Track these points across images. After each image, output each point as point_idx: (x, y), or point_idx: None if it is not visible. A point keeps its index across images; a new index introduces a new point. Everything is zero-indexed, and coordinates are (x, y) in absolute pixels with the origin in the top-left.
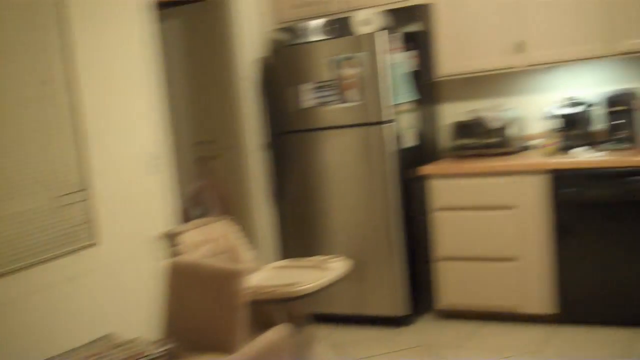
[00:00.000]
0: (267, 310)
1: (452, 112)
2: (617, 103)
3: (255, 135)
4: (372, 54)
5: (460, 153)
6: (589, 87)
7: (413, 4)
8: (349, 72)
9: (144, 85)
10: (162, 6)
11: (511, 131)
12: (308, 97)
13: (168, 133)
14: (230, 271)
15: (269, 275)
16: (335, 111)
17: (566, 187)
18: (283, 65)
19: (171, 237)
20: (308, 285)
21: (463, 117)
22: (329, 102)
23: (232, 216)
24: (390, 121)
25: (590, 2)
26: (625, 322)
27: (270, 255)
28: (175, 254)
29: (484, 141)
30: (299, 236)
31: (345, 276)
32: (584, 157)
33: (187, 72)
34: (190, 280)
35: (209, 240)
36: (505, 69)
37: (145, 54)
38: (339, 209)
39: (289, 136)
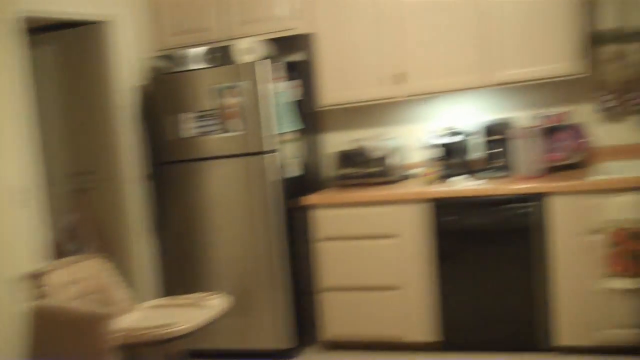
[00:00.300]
0: (141, 353)
1: (335, 142)
2: (494, 132)
3: (135, 165)
4: (254, 83)
5: (344, 182)
6: (467, 116)
7: (295, 33)
8: (230, 101)
9: (12, 114)
10: (34, 32)
11: (393, 160)
12: (189, 126)
13: (39, 164)
14: (95, 315)
15: (144, 315)
16: (217, 141)
17: (446, 215)
18: (163, 93)
19: (36, 278)
20: (183, 326)
21: (346, 147)
22: (211, 131)
23: (108, 251)
24: (273, 151)
25: (467, 35)
26: (506, 348)
27: (149, 293)
28: (39, 296)
29: (366, 170)
30: (180, 271)
31: (225, 313)
32: (462, 185)
33: (63, 100)
34: (54, 326)
35: (78, 280)
36: (386, 99)
37: (14, 81)
38: (223, 242)
39: (170, 167)
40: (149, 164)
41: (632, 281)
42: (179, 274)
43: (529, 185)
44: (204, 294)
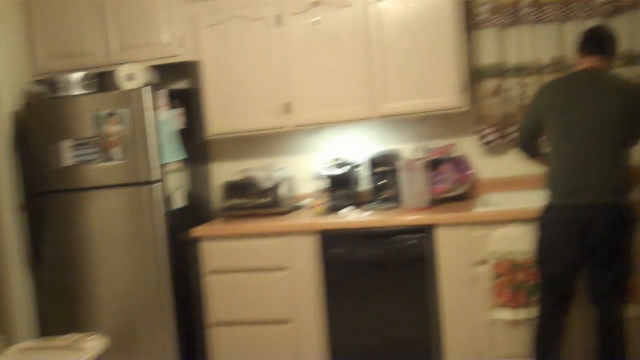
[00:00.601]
0: None
1: (223, 172)
2: (381, 164)
3: (8, 195)
4: (137, 110)
5: (232, 214)
6: (355, 148)
7: (179, 60)
8: (112, 129)
9: None
10: None
11: (282, 191)
12: (68, 154)
13: None
14: None
15: None
16: (99, 170)
17: (335, 247)
18: (40, 120)
19: None
20: None
21: (234, 177)
22: (91, 160)
23: None
24: (157, 181)
25: (353, 67)
26: None
27: (24, 333)
28: None
29: (256, 201)
30: (60, 308)
31: (104, 354)
32: (351, 217)
33: None
34: None
35: None
36: (273, 129)
37: None
38: (105, 276)
39: (48, 197)
40: (25, 194)
41: (516, 312)
42: (59, 313)
43: (415, 217)
44: (80, 335)
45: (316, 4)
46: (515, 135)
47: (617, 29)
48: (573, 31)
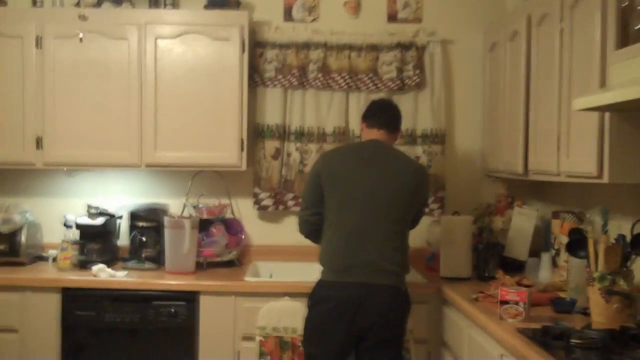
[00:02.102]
0: None
1: None
2: (144, 218)
3: None
4: None
5: None
6: (116, 197)
7: None
8: None
9: None
10: None
11: (23, 238)
12: None
13: None
14: None
15: None
16: None
17: (81, 308)
18: None
19: None
20: None
21: None
22: None
23: None
24: None
25: (122, 106)
26: None
27: None
28: None
29: None
30: None
31: None
32: (103, 275)
33: None
34: None
35: None
36: (21, 164)
37: None
38: None
39: None
40: None
41: None
42: None
43: (177, 282)
44: None
45: (87, 30)
46: (293, 206)
47: (400, 106)
48: (358, 102)
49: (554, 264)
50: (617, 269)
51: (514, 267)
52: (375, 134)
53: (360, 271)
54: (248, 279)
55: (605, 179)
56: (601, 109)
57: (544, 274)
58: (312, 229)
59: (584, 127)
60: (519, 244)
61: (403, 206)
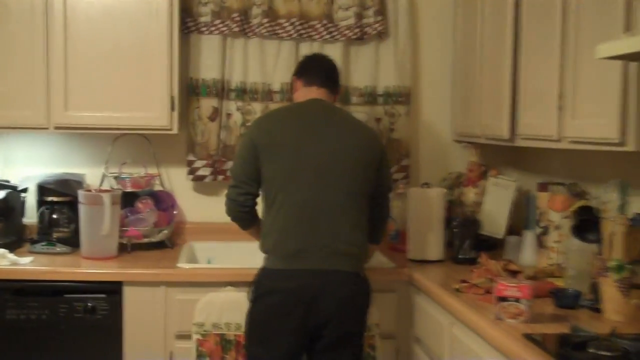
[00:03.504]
0: None
1: None
2: (54, 192)
3: None
4: None
5: None
6: (19, 166)
7: None
8: None
9: None
10: None
11: None
12: None
13: None
14: None
15: None
16: None
17: None
18: None
19: None
20: None
21: None
22: None
23: None
24: None
25: (23, 57)
26: None
27: None
28: None
29: None
30: None
31: None
32: (3, 262)
33: None
34: None
35: None
36: None
37: None
38: None
39: None
40: None
41: None
42: None
43: (96, 271)
44: None
45: None
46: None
47: (359, 59)
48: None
49: (540, 244)
50: (637, 257)
51: (488, 246)
52: (315, 92)
53: (312, 256)
54: (182, 265)
55: (631, 146)
56: (628, 57)
57: (528, 255)
58: (241, 212)
59: (599, 82)
60: (494, 220)
61: (361, 176)
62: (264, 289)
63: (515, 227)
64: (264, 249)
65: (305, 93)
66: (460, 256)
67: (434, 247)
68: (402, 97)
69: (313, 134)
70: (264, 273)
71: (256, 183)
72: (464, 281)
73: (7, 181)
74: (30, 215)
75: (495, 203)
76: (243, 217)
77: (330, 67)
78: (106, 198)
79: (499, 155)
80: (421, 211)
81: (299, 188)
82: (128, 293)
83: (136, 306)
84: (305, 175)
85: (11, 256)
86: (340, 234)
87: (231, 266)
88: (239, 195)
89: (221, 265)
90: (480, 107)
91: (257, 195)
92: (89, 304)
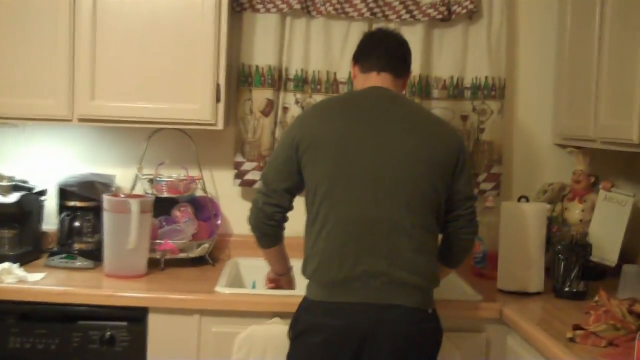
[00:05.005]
0: None
1: None
2: (77, 195)
3: None
4: None
5: None
6: (38, 164)
7: None
8: None
9: None
10: None
11: None
12: None
13: None
14: None
15: None
16: None
17: None
18: None
19: None
20: None
21: None
22: None
23: None
24: None
25: (45, 42)
26: None
27: None
28: None
29: None
30: None
31: None
32: (8, 279)
33: None
34: None
35: None
36: None
37: None
38: None
39: None
40: None
41: None
42: None
43: (116, 293)
44: None
45: None
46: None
47: (444, 45)
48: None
49: None
50: None
51: (595, 275)
52: (374, 79)
53: (363, 287)
54: (220, 290)
55: None
56: None
57: None
58: (266, 225)
59: None
60: (604, 243)
61: (429, 186)
62: (303, 324)
63: (632, 253)
64: (305, 274)
65: (363, 81)
66: (566, 288)
67: (532, 276)
68: (495, 91)
69: (369, 132)
70: (305, 304)
71: (289, 194)
72: (577, 327)
73: (26, 181)
74: (53, 222)
75: (606, 222)
76: (266, 231)
77: (395, 44)
78: (134, 205)
79: (613, 164)
80: (516, 230)
81: (347, 199)
82: (154, 321)
83: (163, 337)
84: (355, 184)
85: (19, 271)
86: (399, 259)
87: (280, 293)
88: (266, 205)
89: (268, 292)
90: (596, 105)
91: (289, 210)
92: (107, 333)
